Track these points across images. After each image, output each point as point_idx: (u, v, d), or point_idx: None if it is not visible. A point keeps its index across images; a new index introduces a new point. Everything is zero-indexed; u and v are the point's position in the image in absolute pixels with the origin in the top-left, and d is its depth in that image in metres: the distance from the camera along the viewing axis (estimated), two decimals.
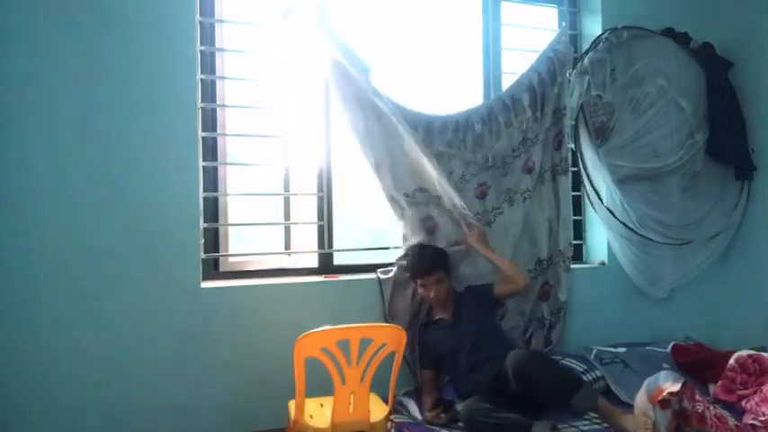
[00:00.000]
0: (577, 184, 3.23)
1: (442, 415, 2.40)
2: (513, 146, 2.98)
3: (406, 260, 2.75)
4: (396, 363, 2.20)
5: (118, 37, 2.41)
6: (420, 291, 2.69)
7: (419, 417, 2.48)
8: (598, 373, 2.73)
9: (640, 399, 2.20)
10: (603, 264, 3.29)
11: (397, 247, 2.89)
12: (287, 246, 2.91)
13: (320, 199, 2.86)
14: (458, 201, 2.78)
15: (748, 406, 2.35)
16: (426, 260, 2.65)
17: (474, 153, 2.91)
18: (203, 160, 2.64)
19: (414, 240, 2.78)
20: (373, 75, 2.67)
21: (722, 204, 3.39)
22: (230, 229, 2.84)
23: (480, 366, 2.48)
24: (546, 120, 3.01)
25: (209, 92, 2.71)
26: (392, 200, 2.77)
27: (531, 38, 3.28)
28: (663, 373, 2.23)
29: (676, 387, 2.08)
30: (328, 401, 2.16)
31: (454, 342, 2.59)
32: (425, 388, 2.62)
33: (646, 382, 2.21)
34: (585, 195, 3.22)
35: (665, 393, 2.07)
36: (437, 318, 2.72)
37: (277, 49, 2.73)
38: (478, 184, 2.94)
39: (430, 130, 2.84)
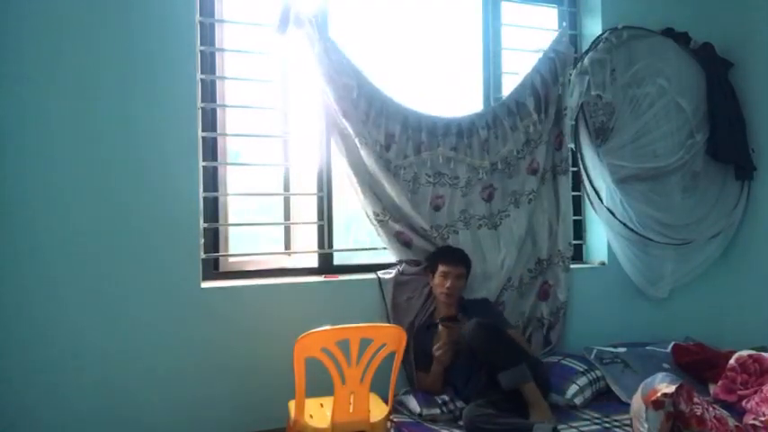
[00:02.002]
0: (577, 184, 3.24)
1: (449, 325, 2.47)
2: (517, 148, 2.98)
3: (436, 249, 2.80)
4: (396, 363, 2.20)
5: (118, 37, 2.41)
6: (437, 280, 2.68)
7: (418, 410, 2.47)
8: (598, 373, 2.74)
9: (635, 400, 2.20)
10: (603, 264, 3.29)
11: None
12: (287, 246, 2.91)
13: (320, 199, 2.86)
14: (418, 221, 2.79)
15: (749, 406, 2.35)
16: (461, 252, 2.77)
17: (482, 159, 2.92)
18: (203, 160, 2.64)
19: (393, 252, 2.83)
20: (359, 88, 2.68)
21: (722, 204, 3.39)
22: (230, 229, 2.84)
23: (478, 371, 2.48)
24: (549, 121, 3.03)
25: (209, 92, 2.71)
26: (367, 216, 2.81)
27: (531, 38, 3.28)
28: (660, 375, 2.23)
29: (671, 388, 2.07)
30: (328, 401, 2.16)
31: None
32: (423, 385, 2.61)
33: (642, 384, 2.21)
34: (585, 195, 3.22)
35: (658, 394, 2.07)
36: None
37: (277, 49, 2.72)
38: (484, 187, 2.95)
39: (434, 133, 2.85)
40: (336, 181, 2.88)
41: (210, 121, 2.72)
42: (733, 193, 3.41)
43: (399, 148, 2.78)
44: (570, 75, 3.11)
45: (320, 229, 2.87)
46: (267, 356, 2.55)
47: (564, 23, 3.24)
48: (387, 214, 2.77)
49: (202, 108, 2.65)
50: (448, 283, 2.65)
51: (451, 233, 2.88)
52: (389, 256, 2.89)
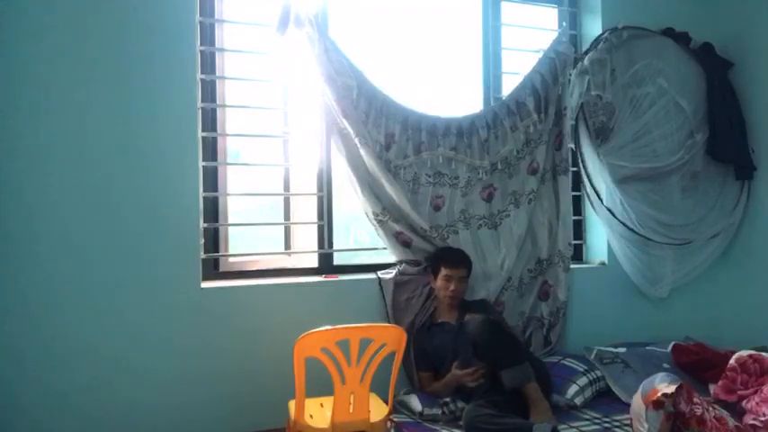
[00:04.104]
0: (577, 184, 3.24)
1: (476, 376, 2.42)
2: (517, 148, 2.99)
3: (437, 251, 2.80)
4: (396, 363, 2.20)
5: (118, 37, 2.41)
6: (439, 283, 2.68)
7: (420, 409, 2.47)
8: (598, 373, 2.74)
9: (635, 400, 2.20)
10: (603, 264, 3.29)
11: None
12: (287, 246, 2.91)
13: (320, 199, 2.87)
14: (418, 221, 2.79)
15: (749, 406, 2.35)
16: (463, 253, 2.76)
17: (482, 159, 2.92)
18: (203, 160, 2.64)
19: (393, 252, 2.84)
20: (359, 88, 2.68)
21: (722, 204, 3.39)
22: (230, 229, 2.84)
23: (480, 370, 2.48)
24: (549, 121, 3.03)
25: (209, 92, 2.71)
26: (367, 216, 2.81)
27: (531, 38, 3.28)
28: (660, 375, 2.22)
29: (671, 388, 2.07)
30: (328, 401, 2.16)
31: (457, 346, 2.58)
32: (428, 388, 2.62)
33: (642, 384, 2.21)
34: (585, 195, 3.22)
35: (659, 394, 2.07)
36: (440, 321, 2.72)
37: (277, 49, 2.72)
38: (484, 187, 2.95)
39: (434, 133, 2.85)
40: (336, 181, 2.88)
41: (210, 121, 2.72)
42: (733, 193, 3.41)
43: (399, 148, 2.78)
44: (570, 75, 3.11)
45: (320, 229, 2.87)
46: (267, 356, 2.55)
47: (564, 23, 3.25)
48: (386, 214, 2.77)
49: (202, 108, 2.65)
50: (452, 287, 2.65)
51: (451, 233, 2.88)
52: (389, 256, 2.89)
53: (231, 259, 2.82)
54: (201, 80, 2.64)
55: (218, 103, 2.73)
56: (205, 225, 2.66)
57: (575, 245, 3.25)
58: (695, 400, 2.13)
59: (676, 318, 3.34)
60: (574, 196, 3.22)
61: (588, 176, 3.17)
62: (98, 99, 2.39)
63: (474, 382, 2.43)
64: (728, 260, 3.45)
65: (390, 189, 2.75)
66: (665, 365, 2.78)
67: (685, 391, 2.12)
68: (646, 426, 2.08)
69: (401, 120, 2.78)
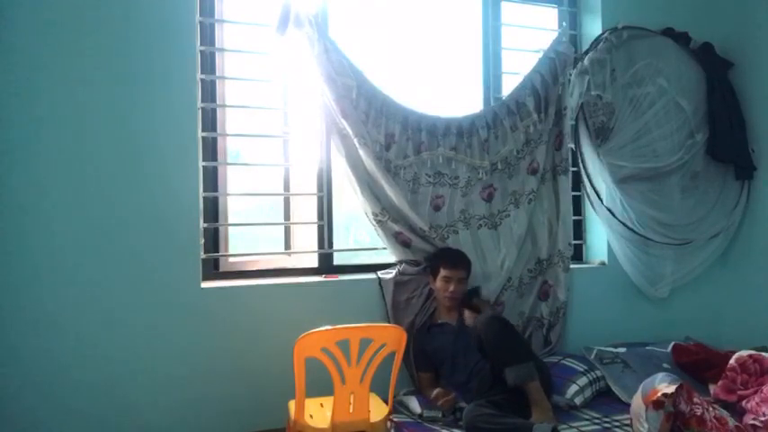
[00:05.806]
0: (577, 184, 3.24)
1: (444, 400, 2.42)
2: (517, 148, 2.99)
3: (436, 252, 2.80)
4: (396, 363, 2.20)
5: (118, 36, 2.41)
6: (438, 284, 2.68)
7: (419, 410, 2.48)
8: (598, 373, 2.74)
9: (635, 400, 2.20)
10: (603, 264, 3.29)
11: None
12: (287, 246, 2.91)
13: (320, 199, 2.87)
14: (417, 221, 2.79)
15: (749, 406, 2.35)
16: (461, 254, 2.76)
17: (482, 159, 2.92)
18: (203, 160, 2.64)
19: (393, 252, 2.84)
20: (358, 88, 2.68)
21: (722, 204, 3.39)
22: (230, 229, 2.84)
23: (479, 372, 2.48)
24: (549, 121, 3.03)
25: (209, 92, 2.71)
26: (366, 216, 2.82)
27: (531, 38, 3.28)
28: (660, 375, 2.23)
29: (671, 388, 2.07)
30: (328, 401, 2.16)
31: (457, 347, 2.58)
32: (426, 389, 2.62)
33: (642, 384, 2.21)
34: (585, 195, 3.22)
35: (659, 394, 2.07)
36: (440, 322, 2.72)
37: (277, 50, 2.72)
38: (484, 187, 2.95)
39: (434, 133, 2.85)
40: (336, 181, 2.88)
41: (210, 121, 2.72)
42: (733, 193, 3.41)
43: (399, 148, 2.78)
44: (570, 75, 3.11)
45: (320, 229, 2.87)
46: (267, 356, 2.55)
47: (564, 23, 3.25)
48: (386, 215, 2.77)
49: (202, 108, 2.65)
50: (451, 288, 2.65)
51: (451, 233, 2.88)
52: (389, 256, 2.89)
53: (231, 259, 2.82)
54: (201, 80, 2.64)
55: (218, 103, 2.73)
56: (205, 225, 2.66)
57: (575, 245, 3.25)
58: (695, 400, 2.13)
59: (676, 318, 3.34)
60: (574, 196, 3.22)
61: (588, 176, 3.17)
62: (98, 99, 2.39)
63: (444, 406, 2.44)
64: (728, 260, 3.45)
65: (390, 189, 2.75)
66: (665, 365, 2.79)
67: (685, 391, 2.12)
68: (646, 426, 2.08)
69: (401, 120, 2.78)
